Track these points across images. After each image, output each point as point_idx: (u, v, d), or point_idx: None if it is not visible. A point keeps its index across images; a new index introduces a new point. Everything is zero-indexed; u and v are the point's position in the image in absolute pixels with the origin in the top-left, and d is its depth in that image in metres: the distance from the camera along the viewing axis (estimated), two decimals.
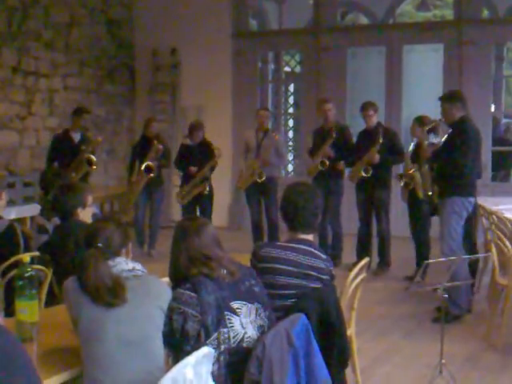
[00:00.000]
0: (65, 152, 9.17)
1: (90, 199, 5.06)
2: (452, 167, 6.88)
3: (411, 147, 8.44)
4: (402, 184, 8.44)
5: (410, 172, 8.28)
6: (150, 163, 9.44)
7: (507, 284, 6.21)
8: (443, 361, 5.03)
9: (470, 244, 7.56)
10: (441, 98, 7.21)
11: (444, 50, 11.49)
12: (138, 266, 3.44)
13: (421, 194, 8.18)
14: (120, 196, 10.47)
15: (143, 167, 9.44)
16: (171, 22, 12.59)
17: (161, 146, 9.54)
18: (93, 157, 9.09)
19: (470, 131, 6.94)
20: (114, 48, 12.83)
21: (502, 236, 6.31)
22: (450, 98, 7.07)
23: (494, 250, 6.40)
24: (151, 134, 9.75)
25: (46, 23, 11.33)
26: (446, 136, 7.30)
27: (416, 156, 8.25)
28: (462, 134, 6.86)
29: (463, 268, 6.70)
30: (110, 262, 3.34)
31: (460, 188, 6.90)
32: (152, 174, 9.48)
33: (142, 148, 9.74)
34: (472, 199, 7.02)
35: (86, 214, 4.96)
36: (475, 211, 7.59)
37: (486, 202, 8.16)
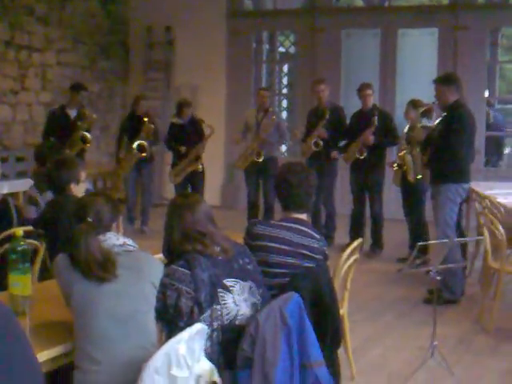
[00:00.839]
0: (61, 128, 9.14)
1: (83, 175, 5.05)
2: (447, 153, 6.83)
3: (405, 130, 8.43)
4: (395, 168, 8.43)
5: (401, 154, 8.29)
6: (142, 142, 9.42)
7: (499, 268, 6.23)
8: (435, 343, 5.05)
9: (458, 228, 7.57)
10: (435, 81, 7.13)
11: (439, 34, 11.47)
12: (129, 242, 3.44)
13: (411, 177, 8.18)
14: (110, 173, 10.44)
15: (135, 146, 9.41)
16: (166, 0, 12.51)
17: (152, 126, 9.53)
18: (87, 134, 9.09)
19: (466, 116, 6.89)
20: (109, 24, 12.74)
21: (494, 220, 6.31)
22: (445, 81, 7.00)
23: (486, 233, 6.40)
24: (140, 111, 9.72)
25: None
26: (439, 120, 7.26)
27: (409, 139, 8.25)
28: (457, 118, 6.81)
29: (457, 252, 6.70)
30: (101, 237, 3.33)
31: (454, 174, 6.87)
32: (145, 154, 9.46)
33: (130, 125, 9.73)
34: (466, 185, 7.00)
35: (79, 190, 4.95)
36: (467, 196, 7.59)
37: (479, 186, 8.16)
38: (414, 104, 8.27)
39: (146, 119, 9.47)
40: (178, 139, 9.57)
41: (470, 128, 6.95)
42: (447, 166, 6.87)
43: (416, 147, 7.95)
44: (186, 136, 9.51)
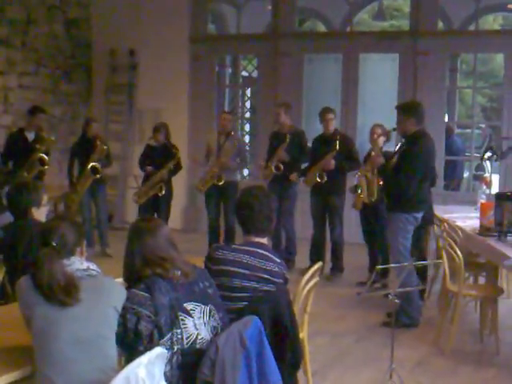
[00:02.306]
0: (18, 151, 9.14)
1: (45, 198, 5.04)
2: (396, 186, 6.89)
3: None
4: (360, 194, 8.46)
5: (358, 175, 8.38)
6: (95, 164, 9.39)
7: (457, 291, 6.31)
8: (393, 365, 5.10)
9: (418, 252, 7.64)
10: (397, 108, 7.13)
11: (399, 59, 11.61)
12: (93, 266, 3.46)
13: (366, 199, 8.25)
14: (64, 197, 10.38)
15: (89, 168, 9.38)
16: (130, 23, 12.53)
17: (105, 147, 9.54)
18: (45, 156, 9.07)
19: (421, 151, 6.84)
20: (72, 47, 12.71)
21: (452, 243, 6.39)
22: (405, 111, 6.96)
23: (444, 257, 6.49)
24: (91, 133, 9.70)
25: (1, 20, 11.20)
26: (398, 147, 7.25)
27: (365, 162, 8.35)
28: (411, 153, 6.80)
29: (413, 278, 6.75)
30: (65, 261, 3.34)
31: (404, 205, 6.88)
32: (98, 175, 9.45)
33: (81, 148, 9.70)
34: (417, 214, 6.97)
35: (40, 213, 4.94)
36: (427, 222, 7.63)
37: (438, 210, 8.25)
38: (382, 128, 8.34)
39: (98, 141, 9.46)
40: (150, 161, 9.61)
41: (427, 159, 6.94)
42: (398, 197, 6.90)
43: (371, 171, 8.01)
44: (156, 159, 9.53)
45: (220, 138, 9.66)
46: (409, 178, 6.77)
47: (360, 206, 8.54)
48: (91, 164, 9.38)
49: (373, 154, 7.88)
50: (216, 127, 12.24)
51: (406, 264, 5.52)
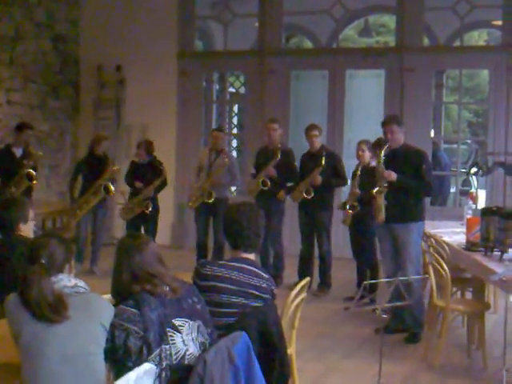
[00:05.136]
0: (6, 167, 9.13)
1: (31, 213, 5.03)
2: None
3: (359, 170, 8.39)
4: (349, 210, 8.44)
5: (373, 194, 7.93)
6: (109, 184, 9.33)
7: (444, 306, 6.33)
8: (382, 380, 5.11)
9: None
10: (388, 121, 7.14)
11: (386, 75, 11.69)
12: (81, 283, 3.45)
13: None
14: (64, 212, 10.35)
15: (102, 187, 9.32)
16: (117, 39, 12.56)
17: (118, 167, 9.53)
18: (33, 171, 9.06)
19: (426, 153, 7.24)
20: (59, 63, 12.73)
21: (439, 259, 6.42)
22: (399, 122, 7.14)
23: (431, 272, 6.51)
24: (99, 151, 9.71)
25: None
26: (389, 160, 7.15)
27: (365, 179, 8.21)
28: (422, 156, 7.06)
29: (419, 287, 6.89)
30: (53, 278, 3.34)
31: (422, 212, 7.13)
32: (112, 194, 9.44)
33: (88, 165, 9.69)
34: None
35: (27, 228, 4.92)
36: None
37: (425, 225, 8.27)
38: (369, 144, 8.34)
39: (110, 161, 9.45)
40: (136, 177, 9.62)
41: None
42: (418, 204, 7.07)
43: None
44: (142, 175, 9.53)
45: (210, 154, 9.66)
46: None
47: (349, 221, 8.57)
48: (105, 183, 9.33)
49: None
50: (204, 143, 12.30)
51: (393, 279, 5.52)
